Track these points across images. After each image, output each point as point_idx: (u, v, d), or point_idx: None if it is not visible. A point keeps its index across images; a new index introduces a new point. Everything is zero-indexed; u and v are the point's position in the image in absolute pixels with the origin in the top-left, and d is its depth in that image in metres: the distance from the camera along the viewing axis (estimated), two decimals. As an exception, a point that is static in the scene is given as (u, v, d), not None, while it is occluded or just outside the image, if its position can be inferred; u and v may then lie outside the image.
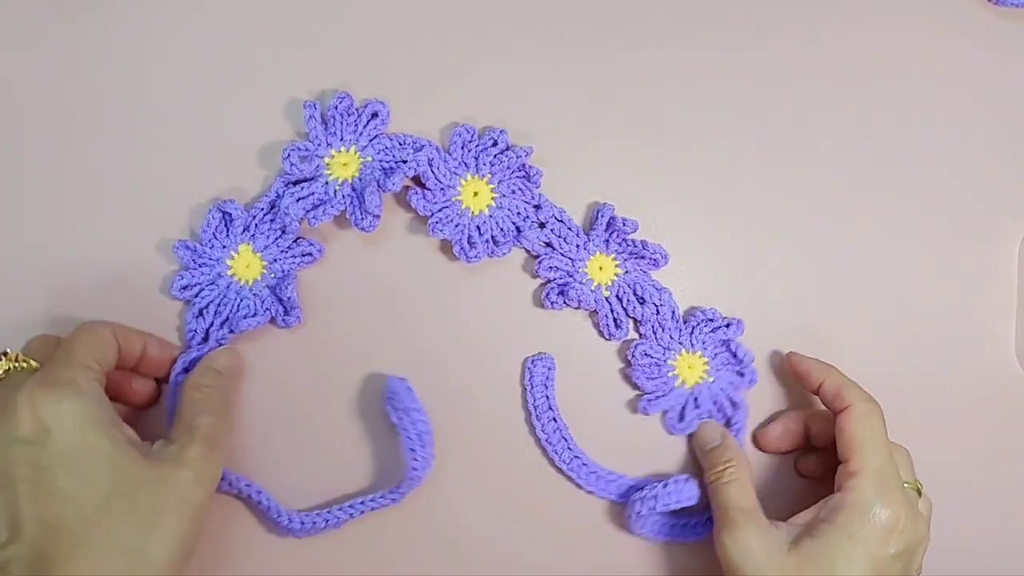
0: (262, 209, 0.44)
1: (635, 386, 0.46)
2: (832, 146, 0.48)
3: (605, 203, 0.45)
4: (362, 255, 0.45)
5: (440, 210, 0.44)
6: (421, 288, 0.45)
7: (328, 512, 0.43)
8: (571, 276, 0.45)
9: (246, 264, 0.44)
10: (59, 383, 0.36)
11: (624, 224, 0.45)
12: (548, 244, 0.45)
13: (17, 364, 0.38)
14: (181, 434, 0.38)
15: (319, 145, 0.44)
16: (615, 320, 0.45)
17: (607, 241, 0.45)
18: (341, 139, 0.44)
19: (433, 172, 0.44)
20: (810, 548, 0.40)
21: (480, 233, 0.44)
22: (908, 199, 0.48)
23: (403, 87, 0.45)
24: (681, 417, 0.46)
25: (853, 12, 0.49)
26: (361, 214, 0.43)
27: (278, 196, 0.44)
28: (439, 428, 0.43)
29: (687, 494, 0.43)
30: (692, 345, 0.46)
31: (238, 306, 0.43)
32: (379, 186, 0.43)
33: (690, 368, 0.46)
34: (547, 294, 0.45)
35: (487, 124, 0.45)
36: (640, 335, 0.46)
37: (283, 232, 0.44)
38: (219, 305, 0.43)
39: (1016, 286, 0.49)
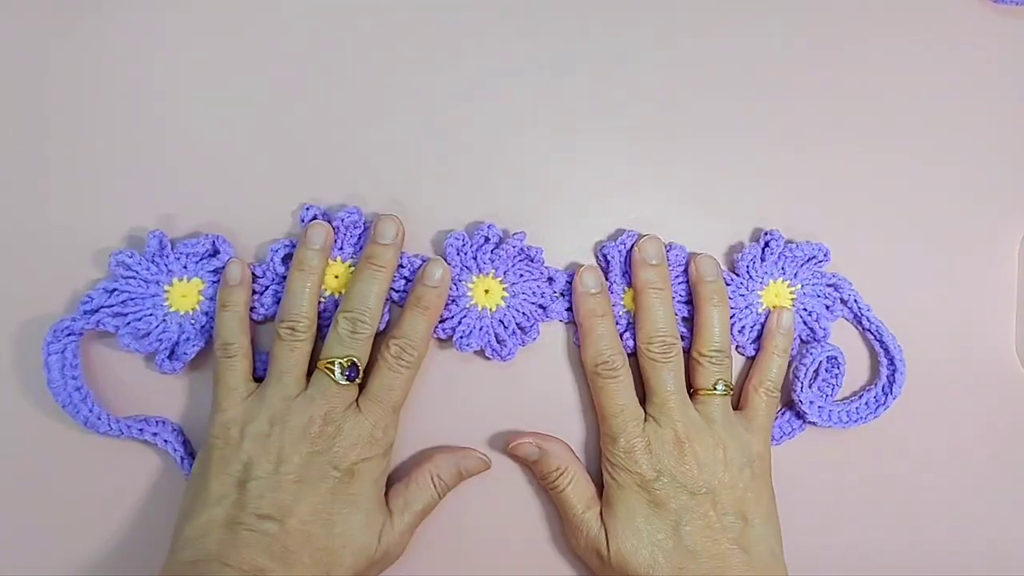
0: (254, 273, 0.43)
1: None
2: (831, 145, 0.48)
3: (604, 243, 0.45)
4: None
5: (459, 323, 0.43)
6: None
7: None
8: (616, 324, 0.45)
9: (182, 294, 0.43)
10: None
11: (629, 237, 0.44)
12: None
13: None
14: (399, 508, 0.42)
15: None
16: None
17: (626, 274, 0.45)
18: (340, 248, 0.43)
19: None
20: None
21: (505, 327, 0.44)
22: (908, 199, 0.48)
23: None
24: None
25: (852, 12, 0.49)
26: None
27: (264, 276, 0.43)
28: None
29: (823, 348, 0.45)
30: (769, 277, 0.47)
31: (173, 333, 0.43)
32: None
33: (777, 296, 0.46)
34: None
35: (473, 219, 0.45)
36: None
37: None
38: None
39: (1016, 286, 0.49)
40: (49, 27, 0.44)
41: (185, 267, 0.42)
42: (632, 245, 0.45)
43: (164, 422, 0.42)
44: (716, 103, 0.47)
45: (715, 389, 0.43)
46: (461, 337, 0.43)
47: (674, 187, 0.47)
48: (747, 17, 0.48)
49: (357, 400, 0.41)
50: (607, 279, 0.45)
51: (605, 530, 0.42)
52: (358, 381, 0.41)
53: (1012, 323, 0.49)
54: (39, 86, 0.43)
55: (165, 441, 0.42)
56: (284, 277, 0.42)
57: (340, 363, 0.41)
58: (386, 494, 0.42)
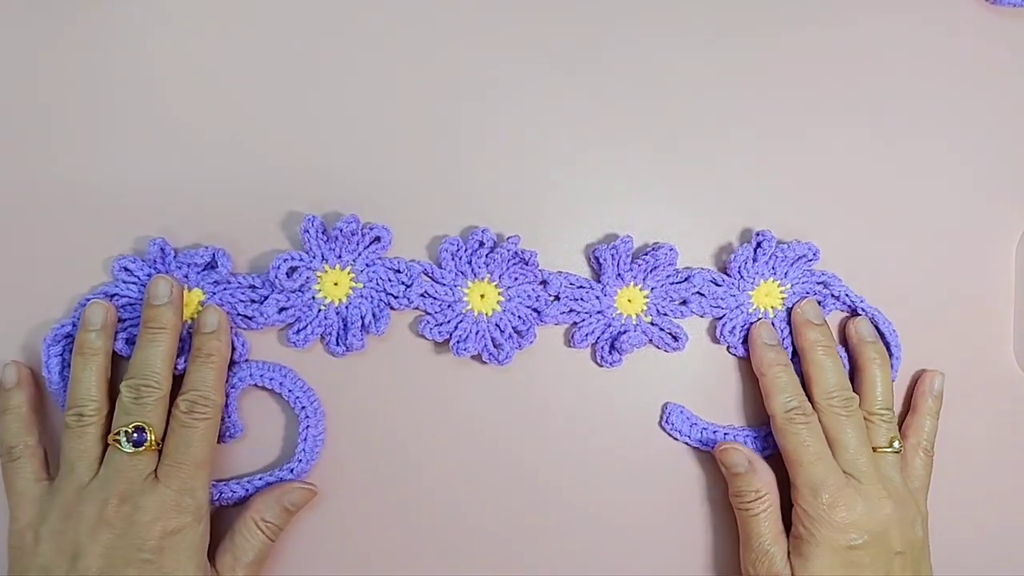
0: (244, 284, 0.43)
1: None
2: (831, 145, 0.48)
3: (597, 245, 0.45)
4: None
5: (455, 328, 0.44)
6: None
7: (224, 484, 0.43)
8: (609, 327, 0.45)
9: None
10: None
11: (623, 242, 0.44)
12: (571, 310, 0.45)
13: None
14: (228, 565, 0.40)
15: (313, 258, 0.43)
16: (672, 336, 0.46)
17: (620, 276, 0.45)
18: (339, 256, 0.43)
19: (433, 297, 0.44)
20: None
21: (501, 331, 0.44)
22: (907, 198, 0.48)
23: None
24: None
25: (851, 11, 0.49)
26: (338, 345, 0.43)
27: (264, 286, 0.43)
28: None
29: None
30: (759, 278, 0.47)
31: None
32: (363, 326, 0.43)
33: (768, 295, 0.46)
34: (601, 356, 0.45)
35: (467, 224, 0.45)
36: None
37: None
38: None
39: (1015, 285, 0.49)
40: (54, 35, 0.44)
41: (186, 276, 0.42)
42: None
43: None
44: (707, 103, 0.47)
45: (891, 446, 0.44)
46: (458, 342, 0.43)
47: (664, 188, 0.47)
48: (737, 17, 0.48)
49: (156, 470, 0.39)
50: (600, 281, 0.45)
51: (792, 573, 0.42)
52: (153, 447, 0.39)
53: (1009, 323, 0.49)
54: (44, 95, 0.44)
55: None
56: (287, 289, 0.42)
57: (125, 431, 0.38)
58: (215, 554, 0.41)
